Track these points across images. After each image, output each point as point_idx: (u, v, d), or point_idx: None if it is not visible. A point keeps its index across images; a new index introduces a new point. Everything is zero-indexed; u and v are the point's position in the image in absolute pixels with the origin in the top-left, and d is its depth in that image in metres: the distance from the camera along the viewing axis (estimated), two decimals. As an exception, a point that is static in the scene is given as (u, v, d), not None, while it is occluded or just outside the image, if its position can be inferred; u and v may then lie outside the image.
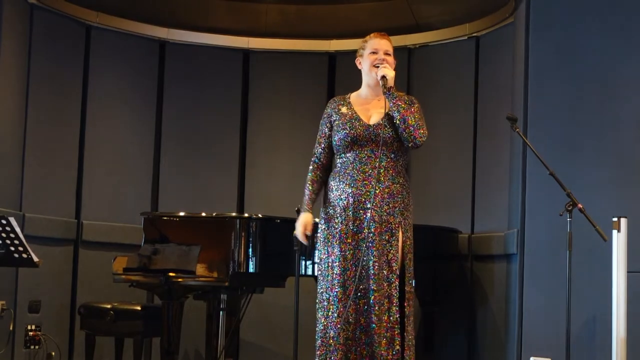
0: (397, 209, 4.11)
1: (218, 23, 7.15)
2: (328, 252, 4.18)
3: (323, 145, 4.30)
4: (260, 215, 5.48)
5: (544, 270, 5.16)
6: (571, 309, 4.48)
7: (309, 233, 4.24)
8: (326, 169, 4.33)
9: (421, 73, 6.91)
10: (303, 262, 5.56)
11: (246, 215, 5.54)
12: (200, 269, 5.27)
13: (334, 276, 4.11)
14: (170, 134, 6.99)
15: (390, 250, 4.07)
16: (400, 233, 4.12)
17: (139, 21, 6.88)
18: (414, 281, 4.22)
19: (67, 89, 6.47)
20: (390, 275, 4.07)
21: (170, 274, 5.34)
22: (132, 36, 6.85)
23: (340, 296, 4.07)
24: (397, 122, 4.12)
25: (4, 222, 4.72)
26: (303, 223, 4.24)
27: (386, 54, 4.29)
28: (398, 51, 6.92)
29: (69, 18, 6.47)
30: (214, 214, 5.52)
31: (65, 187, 6.45)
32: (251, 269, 5.38)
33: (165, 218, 5.62)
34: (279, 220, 5.51)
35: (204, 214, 5.54)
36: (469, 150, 6.51)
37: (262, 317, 6.63)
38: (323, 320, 4.13)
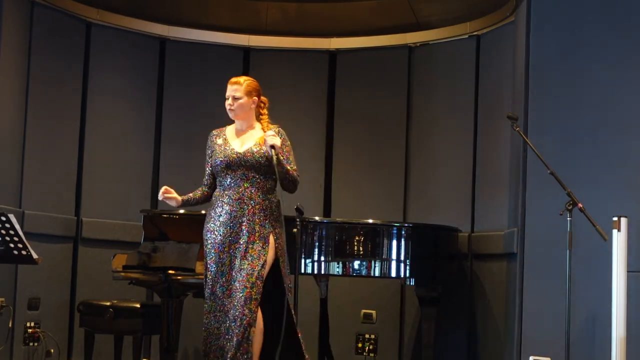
0: (267, 221, 4.67)
1: (218, 20, 7.14)
2: (211, 258, 4.69)
3: (208, 172, 4.88)
4: (260, 214, 5.47)
5: (544, 269, 5.16)
6: (571, 309, 4.49)
7: (160, 195, 4.78)
8: (211, 188, 4.88)
9: (421, 72, 6.90)
10: (303, 261, 5.56)
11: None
12: (199, 267, 5.26)
13: (215, 280, 4.63)
14: (170, 132, 6.99)
15: (262, 255, 4.60)
16: (272, 240, 4.66)
17: (139, 18, 6.87)
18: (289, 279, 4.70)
19: (67, 86, 6.47)
20: (258, 280, 4.56)
21: (170, 271, 5.34)
22: (132, 33, 6.85)
23: (217, 296, 4.62)
24: (285, 180, 4.72)
25: (3, 219, 4.71)
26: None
27: (234, 98, 4.79)
28: (398, 49, 6.99)
29: (70, 15, 6.47)
30: (213, 212, 5.51)
31: (65, 184, 6.45)
32: (251, 267, 5.37)
33: (165, 216, 5.62)
34: (278, 219, 5.50)
35: (203, 212, 5.52)
36: (469, 149, 6.50)
37: (262, 315, 6.63)
38: (206, 314, 4.66)
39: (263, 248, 4.61)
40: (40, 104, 6.20)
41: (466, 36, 6.64)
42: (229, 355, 4.50)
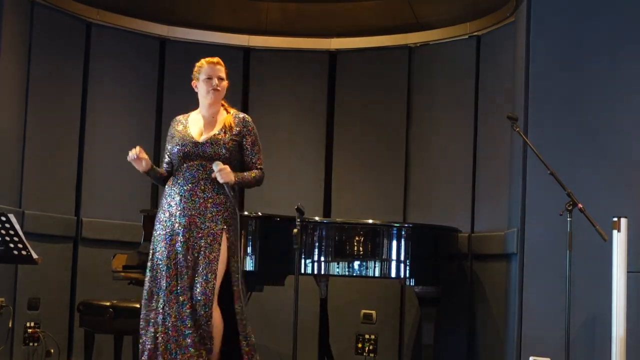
0: (220, 217, 4.49)
1: (219, 21, 7.14)
2: (156, 250, 4.54)
3: (167, 160, 4.73)
4: (259, 214, 5.48)
5: (544, 270, 5.16)
6: (571, 309, 4.49)
7: (133, 153, 4.64)
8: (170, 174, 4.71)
9: (422, 72, 6.90)
10: (303, 261, 5.55)
11: (246, 213, 5.53)
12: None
13: (161, 272, 4.49)
14: (170, 132, 6.99)
15: (212, 252, 4.44)
16: (225, 237, 4.48)
17: (139, 18, 6.87)
18: (240, 280, 4.55)
19: (67, 86, 6.47)
20: (210, 274, 4.41)
21: (170, 271, 5.33)
22: (132, 34, 6.85)
23: (165, 289, 4.45)
24: (249, 188, 4.75)
25: (3, 219, 4.71)
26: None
27: (219, 79, 4.65)
28: (399, 50, 6.99)
29: (70, 15, 6.47)
30: (213, 212, 5.50)
31: (65, 184, 6.45)
32: (250, 267, 5.38)
33: (164, 216, 5.61)
34: (278, 219, 5.51)
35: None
36: (469, 149, 6.50)
37: (261, 316, 6.63)
38: (145, 309, 4.51)
39: (211, 245, 4.43)
40: (40, 104, 6.20)
41: (466, 36, 6.64)
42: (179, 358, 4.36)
